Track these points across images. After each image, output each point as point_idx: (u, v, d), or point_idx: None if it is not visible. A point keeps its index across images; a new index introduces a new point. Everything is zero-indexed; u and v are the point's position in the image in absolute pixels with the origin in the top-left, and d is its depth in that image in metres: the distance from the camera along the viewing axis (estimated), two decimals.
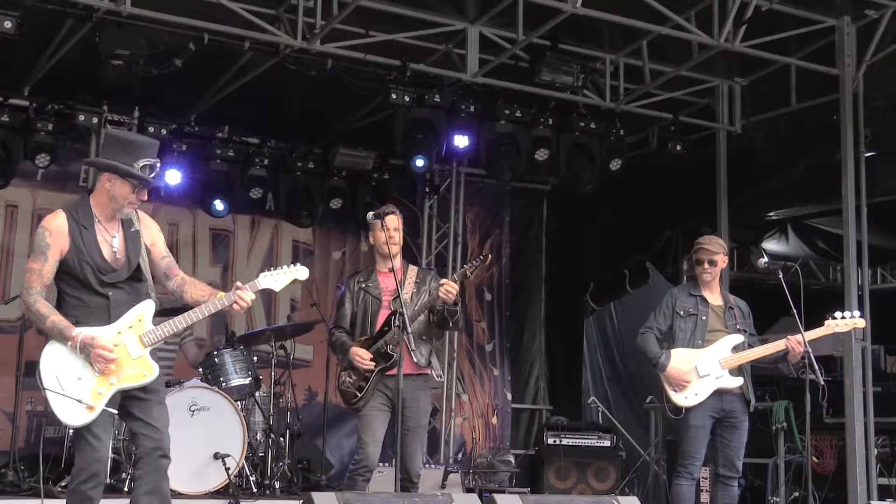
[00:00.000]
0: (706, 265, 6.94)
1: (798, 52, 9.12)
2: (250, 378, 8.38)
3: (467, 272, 6.40)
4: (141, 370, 5.03)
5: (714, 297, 6.97)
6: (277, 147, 10.28)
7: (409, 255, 10.27)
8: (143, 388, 5.06)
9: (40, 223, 5.09)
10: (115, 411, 5.00)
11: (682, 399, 6.75)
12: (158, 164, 5.12)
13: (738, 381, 6.79)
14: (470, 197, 11.62)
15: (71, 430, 7.91)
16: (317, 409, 10.16)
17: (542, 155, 9.80)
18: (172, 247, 9.96)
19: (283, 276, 5.35)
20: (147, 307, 5.11)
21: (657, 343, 6.89)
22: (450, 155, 10.50)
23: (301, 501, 5.68)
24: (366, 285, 6.55)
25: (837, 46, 8.83)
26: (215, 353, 8.48)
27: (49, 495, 7.34)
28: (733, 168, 10.01)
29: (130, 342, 5.02)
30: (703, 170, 10.11)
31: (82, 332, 4.91)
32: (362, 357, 6.35)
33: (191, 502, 7.56)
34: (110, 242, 5.09)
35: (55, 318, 4.92)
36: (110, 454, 7.52)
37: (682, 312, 6.89)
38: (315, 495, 5.37)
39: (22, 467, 8.20)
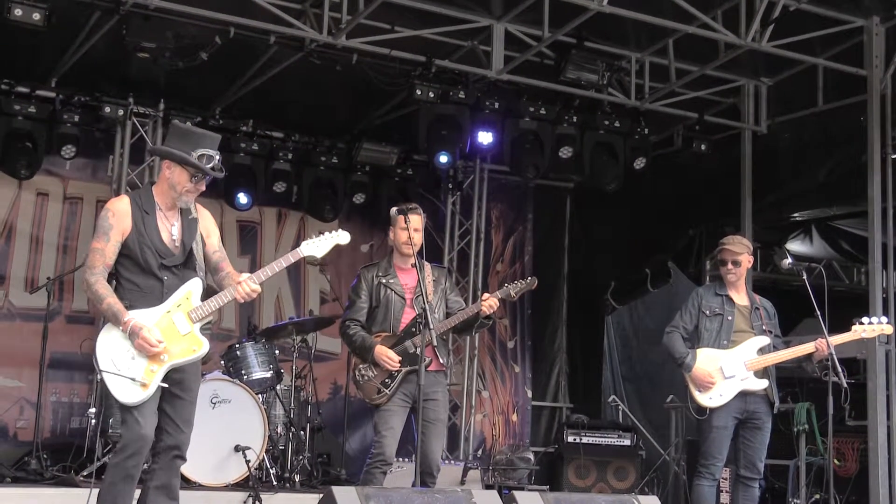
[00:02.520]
0: (730, 265, 6.90)
1: (825, 52, 9.05)
2: (272, 371, 8.39)
3: (511, 292, 6.44)
4: (190, 346, 5.15)
5: (740, 297, 6.93)
6: (301, 141, 10.30)
7: (433, 249, 10.28)
8: (182, 387, 5.18)
9: (105, 205, 5.24)
10: (167, 385, 5.11)
11: (706, 400, 6.72)
12: (218, 157, 5.20)
13: (763, 384, 6.76)
14: (493, 194, 11.59)
15: (93, 421, 8.12)
16: (342, 403, 10.13)
17: (566, 153, 9.79)
18: None
19: (325, 242, 5.43)
20: (195, 285, 5.22)
21: (683, 343, 6.86)
22: (473, 151, 10.51)
23: (321, 495, 5.66)
24: (386, 281, 6.51)
25: (866, 47, 8.76)
26: (237, 345, 8.49)
27: (71, 484, 7.40)
28: (758, 168, 9.96)
29: (179, 319, 5.14)
30: (727, 169, 10.07)
31: (133, 319, 5.04)
32: (391, 359, 6.35)
33: (211, 494, 7.58)
34: (170, 230, 5.22)
35: (111, 301, 5.06)
36: None
37: (707, 312, 6.86)
38: (335, 489, 5.34)
39: (45, 456, 8.26)
